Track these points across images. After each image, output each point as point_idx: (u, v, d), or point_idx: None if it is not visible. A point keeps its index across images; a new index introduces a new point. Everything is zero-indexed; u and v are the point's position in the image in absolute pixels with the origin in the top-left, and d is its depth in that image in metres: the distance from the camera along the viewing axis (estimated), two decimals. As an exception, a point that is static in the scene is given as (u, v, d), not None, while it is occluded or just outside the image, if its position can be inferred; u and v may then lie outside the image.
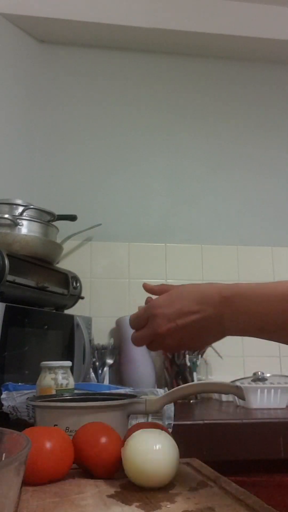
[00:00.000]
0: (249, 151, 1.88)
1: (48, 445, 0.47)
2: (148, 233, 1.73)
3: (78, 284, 1.41)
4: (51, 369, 0.81)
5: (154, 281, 1.65)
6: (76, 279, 1.40)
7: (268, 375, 1.36)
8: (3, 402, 0.80)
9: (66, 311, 1.40)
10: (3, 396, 0.81)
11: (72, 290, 1.37)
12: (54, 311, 1.34)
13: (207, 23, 1.81)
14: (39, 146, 1.76)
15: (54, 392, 0.77)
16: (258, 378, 1.32)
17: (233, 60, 1.95)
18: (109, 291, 1.64)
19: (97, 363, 1.48)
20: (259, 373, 1.35)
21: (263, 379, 1.31)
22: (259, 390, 1.11)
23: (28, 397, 0.77)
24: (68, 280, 1.36)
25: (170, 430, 0.73)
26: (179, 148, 1.84)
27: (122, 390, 0.87)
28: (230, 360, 1.58)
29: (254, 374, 1.36)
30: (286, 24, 1.85)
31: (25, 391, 0.82)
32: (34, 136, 1.77)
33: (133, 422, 0.71)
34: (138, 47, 1.88)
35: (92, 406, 0.60)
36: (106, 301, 1.63)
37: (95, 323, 1.45)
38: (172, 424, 0.78)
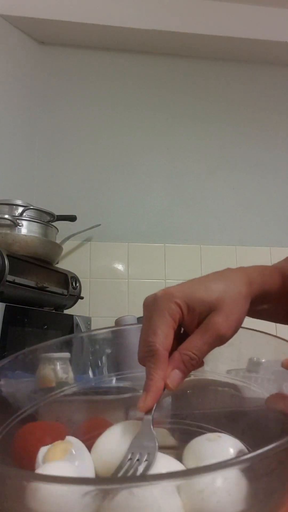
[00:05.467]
0: (248, 152, 1.88)
1: (48, 440, 0.48)
2: (147, 234, 1.73)
3: (77, 284, 1.41)
4: (50, 360, 0.81)
5: (153, 281, 1.67)
6: (75, 279, 1.41)
7: (263, 360, 1.36)
8: (2, 388, 0.81)
9: (66, 311, 1.40)
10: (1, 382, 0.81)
11: (72, 290, 1.37)
12: (54, 311, 1.35)
13: (206, 24, 1.81)
14: (39, 147, 1.77)
15: (54, 384, 0.77)
16: (253, 363, 1.32)
17: (231, 62, 1.96)
18: (108, 291, 1.65)
19: (97, 363, 1.48)
20: (254, 358, 1.35)
21: (258, 364, 1.31)
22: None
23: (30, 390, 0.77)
24: (67, 280, 1.36)
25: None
26: (178, 149, 1.84)
27: (121, 383, 0.87)
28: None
29: (250, 359, 1.36)
30: (284, 25, 1.86)
31: (25, 379, 0.83)
32: (34, 137, 1.77)
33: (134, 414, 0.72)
34: (138, 49, 1.88)
35: (93, 400, 0.61)
36: (105, 301, 1.63)
37: (94, 323, 1.46)
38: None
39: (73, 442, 0.35)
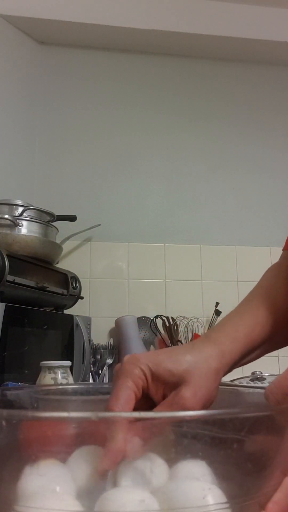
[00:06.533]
0: (248, 152, 1.88)
1: (50, 433, 0.48)
2: (147, 234, 1.73)
3: (77, 284, 1.41)
4: (50, 368, 0.81)
5: (153, 281, 1.67)
6: (75, 279, 1.41)
7: (266, 374, 1.37)
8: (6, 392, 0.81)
9: (66, 311, 1.40)
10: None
11: (72, 290, 1.37)
12: (54, 311, 1.35)
13: (206, 25, 1.82)
14: (39, 147, 1.77)
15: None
16: (256, 378, 1.33)
17: (232, 62, 1.96)
18: (108, 291, 1.65)
19: (97, 363, 1.49)
20: (258, 372, 1.36)
21: (261, 379, 1.32)
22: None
23: (31, 390, 0.77)
24: (67, 280, 1.36)
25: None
26: (178, 149, 1.84)
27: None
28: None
29: (253, 373, 1.37)
30: (284, 25, 1.86)
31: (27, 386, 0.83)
32: (34, 137, 1.77)
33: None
34: (138, 49, 1.88)
35: (92, 400, 0.61)
36: (105, 301, 1.63)
37: (95, 323, 1.46)
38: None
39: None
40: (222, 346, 0.40)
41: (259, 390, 0.44)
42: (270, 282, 0.51)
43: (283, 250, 0.56)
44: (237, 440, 0.27)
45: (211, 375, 0.38)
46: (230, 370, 0.42)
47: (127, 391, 0.35)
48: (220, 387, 0.46)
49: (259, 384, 1.17)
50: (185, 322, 1.59)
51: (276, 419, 0.29)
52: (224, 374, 0.41)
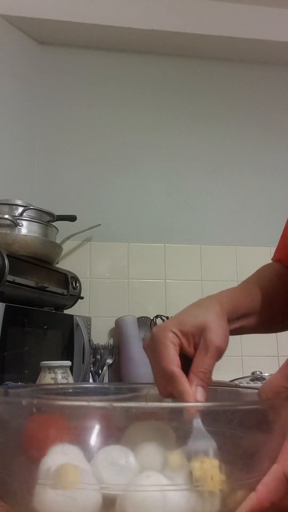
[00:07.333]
0: (248, 152, 1.88)
1: (52, 432, 0.48)
2: (147, 234, 1.73)
3: (77, 284, 1.41)
4: (50, 368, 0.81)
5: (153, 281, 1.67)
6: (75, 279, 1.41)
7: (266, 374, 1.37)
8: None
9: (66, 311, 1.40)
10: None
11: (72, 290, 1.37)
12: (54, 311, 1.35)
13: (206, 25, 1.82)
14: (39, 147, 1.77)
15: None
16: (256, 378, 1.33)
17: (231, 62, 1.96)
18: (108, 291, 1.65)
19: (97, 363, 1.49)
20: (258, 372, 1.36)
21: (261, 379, 1.32)
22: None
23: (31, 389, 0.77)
24: (67, 280, 1.37)
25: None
26: (178, 149, 1.84)
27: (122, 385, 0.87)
28: (228, 360, 1.58)
29: (253, 373, 1.37)
30: (283, 25, 1.86)
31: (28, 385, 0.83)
32: (34, 137, 1.77)
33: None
34: (138, 49, 1.88)
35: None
36: (105, 301, 1.63)
37: (95, 323, 1.46)
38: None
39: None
40: (220, 300, 0.50)
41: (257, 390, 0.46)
42: (258, 272, 0.66)
43: (272, 260, 0.68)
44: (229, 429, 0.31)
45: (221, 317, 0.47)
46: (229, 322, 0.50)
47: (171, 350, 0.43)
48: (220, 387, 0.49)
49: (259, 384, 1.17)
50: (185, 322, 1.59)
51: (266, 414, 0.33)
52: (229, 322, 0.49)
